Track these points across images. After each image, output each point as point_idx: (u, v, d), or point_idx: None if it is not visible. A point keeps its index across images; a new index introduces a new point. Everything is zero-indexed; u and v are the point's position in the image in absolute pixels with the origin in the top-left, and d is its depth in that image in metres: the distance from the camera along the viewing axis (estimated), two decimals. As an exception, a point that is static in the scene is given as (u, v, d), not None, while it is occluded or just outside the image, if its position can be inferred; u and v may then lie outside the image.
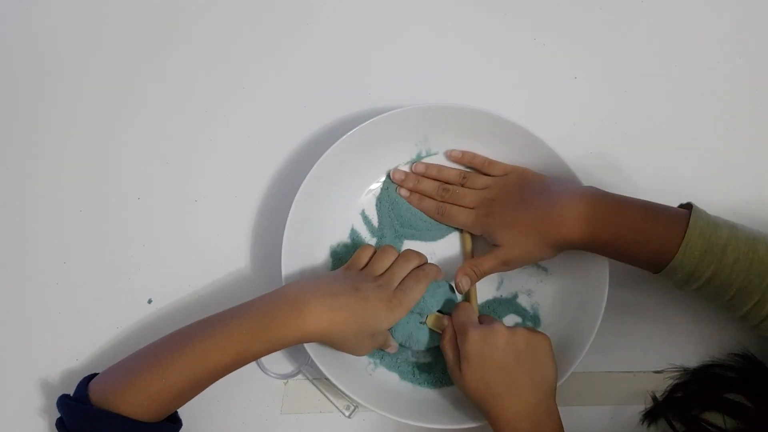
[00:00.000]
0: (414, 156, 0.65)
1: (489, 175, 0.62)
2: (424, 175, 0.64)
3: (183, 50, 0.74)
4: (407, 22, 0.74)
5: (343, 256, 0.62)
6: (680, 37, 0.73)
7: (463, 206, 0.61)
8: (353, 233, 0.64)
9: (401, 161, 0.65)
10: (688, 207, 0.53)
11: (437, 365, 0.59)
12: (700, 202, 0.53)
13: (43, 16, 0.75)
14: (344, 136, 0.60)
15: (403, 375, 0.59)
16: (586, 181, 0.58)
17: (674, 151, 0.68)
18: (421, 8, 0.75)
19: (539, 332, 0.53)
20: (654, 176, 0.66)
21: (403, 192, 0.64)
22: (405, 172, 0.64)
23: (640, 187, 0.65)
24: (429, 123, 0.63)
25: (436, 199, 0.63)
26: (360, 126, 0.60)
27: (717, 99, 0.70)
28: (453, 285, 0.58)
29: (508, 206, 0.58)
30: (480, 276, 0.58)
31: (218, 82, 0.72)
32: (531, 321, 0.61)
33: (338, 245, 0.63)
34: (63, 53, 0.74)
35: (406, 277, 0.55)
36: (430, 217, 0.63)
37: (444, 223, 0.63)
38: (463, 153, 0.63)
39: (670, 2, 0.74)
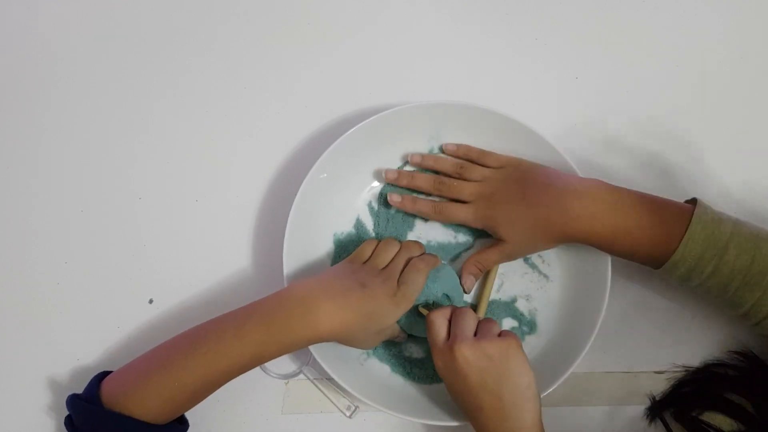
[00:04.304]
0: (425, 152, 0.65)
1: (485, 167, 0.61)
2: (420, 165, 0.63)
3: (184, 50, 0.73)
4: (408, 22, 0.74)
5: (346, 245, 0.62)
6: (682, 37, 0.72)
7: (461, 200, 0.60)
8: (358, 224, 0.64)
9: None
10: (693, 202, 0.53)
11: (430, 361, 0.59)
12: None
13: (43, 17, 0.75)
14: (354, 128, 0.60)
15: (394, 367, 0.59)
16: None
17: (676, 151, 0.68)
18: (423, 8, 0.75)
19: (506, 338, 0.50)
20: (655, 176, 0.66)
21: (395, 198, 0.62)
22: (397, 171, 0.63)
23: (642, 186, 0.65)
24: (441, 120, 0.63)
25: (432, 194, 0.62)
26: (373, 117, 0.60)
27: (718, 99, 0.70)
28: (458, 273, 0.60)
29: (510, 201, 0.57)
30: (484, 270, 0.60)
31: (219, 82, 0.72)
32: (527, 326, 0.61)
33: (343, 234, 0.63)
34: (64, 53, 0.74)
35: (405, 269, 0.55)
36: (428, 218, 0.62)
37: (442, 221, 0.62)
38: (458, 146, 0.63)
39: (672, 2, 0.74)
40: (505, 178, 0.59)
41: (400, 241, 0.58)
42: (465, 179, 0.61)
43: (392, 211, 0.64)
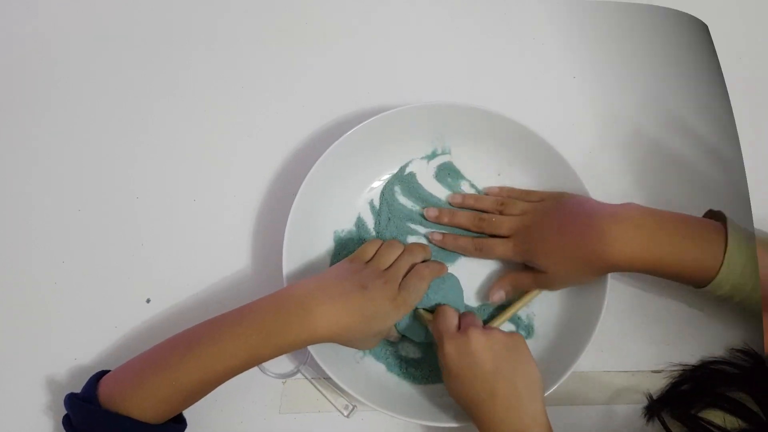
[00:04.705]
0: (429, 152, 0.65)
1: (527, 201, 0.61)
2: (461, 205, 0.63)
3: (183, 50, 0.74)
4: (407, 22, 0.75)
5: (347, 243, 0.62)
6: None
7: (500, 236, 0.60)
8: (359, 222, 0.64)
9: (416, 156, 0.65)
10: (716, 214, 0.53)
11: (426, 362, 0.59)
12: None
13: (42, 17, 0.76)
14: (353, 129, 0.60)
15: (390, 367, 0.59)
16: (589, 182, 0.59)
17: (675, 150, 0.68)
18: (422, 8, 0.75)
19: (512, 333, 0.52)
20: (654, 175, 0.67)
21: (437, 236, 0.62)
22: (438, 209, 0.63)
23: (641, 186, 0.66)
24: (442, 121, 0.63)
25: (472, 231, 0.62)
26: (372, 119, 0.60)
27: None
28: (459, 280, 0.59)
29: (547, 231, 0.57)
30: (516, 290, 0.59)
31: (218, 82, 0.72)
32: (524, 330, 0.61)
33: (343, 231, 0.63)
34: (63, 53, 0.74)
35: (409, 273, 0.55)
36: (469, 255, 0.62)
37: (483, 257, 0.62)
38: (501, 188, 0.64)
39: (672, 2, 0.74)
40: (544, 210, 0.59)
41: (403, 244, 0.58)
42: (505, 215, 0.61)
43: (393, 210, 0.64)
